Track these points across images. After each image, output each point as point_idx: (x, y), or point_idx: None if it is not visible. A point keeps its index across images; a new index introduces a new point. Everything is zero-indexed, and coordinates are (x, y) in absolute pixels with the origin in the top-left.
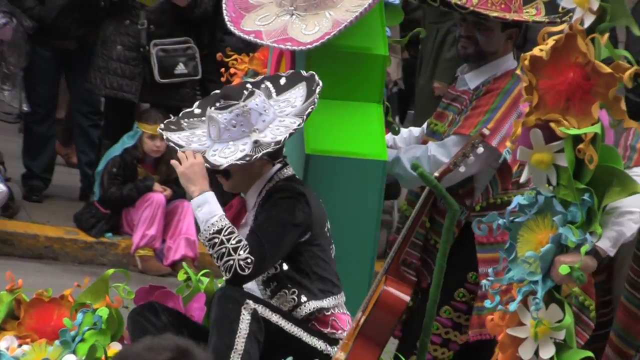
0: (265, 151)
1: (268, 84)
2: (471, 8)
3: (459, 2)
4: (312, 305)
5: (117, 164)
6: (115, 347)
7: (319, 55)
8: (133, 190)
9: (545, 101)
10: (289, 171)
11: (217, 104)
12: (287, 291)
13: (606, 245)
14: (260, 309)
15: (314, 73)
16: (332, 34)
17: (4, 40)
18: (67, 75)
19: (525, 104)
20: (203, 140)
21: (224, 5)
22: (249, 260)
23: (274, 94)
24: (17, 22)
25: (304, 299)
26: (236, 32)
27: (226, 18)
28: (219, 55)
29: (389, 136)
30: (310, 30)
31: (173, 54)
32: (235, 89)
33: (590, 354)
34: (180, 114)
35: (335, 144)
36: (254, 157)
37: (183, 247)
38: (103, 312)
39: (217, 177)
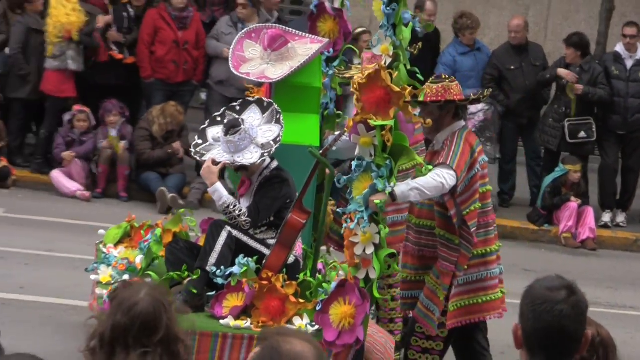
0: (275, 146)
1: (229, 112)
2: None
3: None
4: None
5: None
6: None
7: (281, 86)
8: None
9: (365, 107)
10: (275, 163)
11: (230, 132)
12: (272, 230)
13: (399, 193)
14: (235, 232)
15: (261, 97)
16: (286, 74)
17: (487, 119)
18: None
19: (354, 109)
20: (223, 154)
21: (230, 60)
22: (247, 221)
23: (235, 115)
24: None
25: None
26: (236, 73)
27: (231, 65)
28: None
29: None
30: (277, 72)
31: None
32: (232, 120)
33: (393, 250)
34: (193, 146)
35: (287, 137)
36: (271, 152)
37: None
38: (158, 231)
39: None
